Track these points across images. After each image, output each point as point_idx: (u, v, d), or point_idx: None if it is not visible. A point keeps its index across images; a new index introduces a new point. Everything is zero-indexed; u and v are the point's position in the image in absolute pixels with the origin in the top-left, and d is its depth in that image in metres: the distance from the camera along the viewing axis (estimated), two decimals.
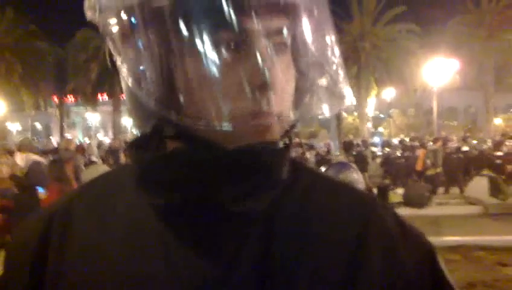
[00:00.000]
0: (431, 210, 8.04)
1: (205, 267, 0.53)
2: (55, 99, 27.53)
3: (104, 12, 0.53)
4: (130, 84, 0.54)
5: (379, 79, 25.09)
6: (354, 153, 11.55)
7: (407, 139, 17.65)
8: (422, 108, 33.65)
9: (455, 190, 10.80)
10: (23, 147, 8.14)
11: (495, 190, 8.56)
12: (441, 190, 10.68)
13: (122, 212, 0.59)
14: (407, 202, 8.16)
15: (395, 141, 19.97)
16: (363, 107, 26.98)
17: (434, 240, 0.59)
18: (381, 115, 36.73)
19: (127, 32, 0.52)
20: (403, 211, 8.03)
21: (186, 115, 0.51)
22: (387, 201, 8.14)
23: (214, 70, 0.49)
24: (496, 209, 7.95)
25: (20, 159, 7.81)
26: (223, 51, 0.49)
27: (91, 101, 24.64)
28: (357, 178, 4.15)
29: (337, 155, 11.24)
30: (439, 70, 19.55)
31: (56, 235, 0.59)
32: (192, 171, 0.53)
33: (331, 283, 0.53)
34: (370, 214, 0.58)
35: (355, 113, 29.92)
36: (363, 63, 24.70)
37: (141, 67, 0.52)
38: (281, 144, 0.55)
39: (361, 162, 13.46)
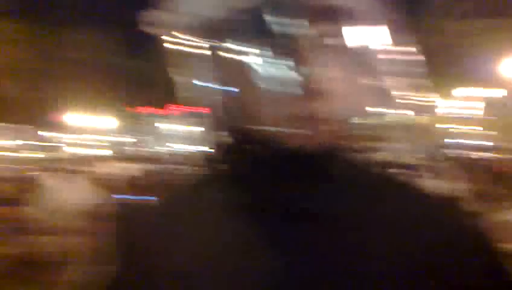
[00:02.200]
0: None
1: (274, 263, 0.55)
2: (146, 110, 29.01)
3: (170, 31, 0.58)
4: (192, 98, 0.59)
5: (457, 78, 23.66)
6: (437, 157, 11.06)
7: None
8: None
9: None
10: (122, 157, 8.66)
11: None
12: None
13: (205, 212, 0.62)
14: None
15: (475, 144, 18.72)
16: (438, 107, 25.57)
17: None
18: (461, 117, 34.37)
19: (189, 50, 0.57)
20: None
21: (248, 120, 0.54)
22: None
23: (265, 79, 0.51)
24: None
25: (116, 168, 8.44)
26: (272, 58, 0.51)
27: (162, 111, 25.81)
28: (430, 184, 3.91)
29: (412, 158, 10.79)
30: None
31: (153, 235, 0.64)
32: (262, 170, 0.56)
33: (398, 282, 0.53)
34: (444, 219, 0.56)
35: (431, 115, 28.33)
36: (439, 61, 23.35)
37: (204, 82, 0.57)
38: (339, 146, 0.56)
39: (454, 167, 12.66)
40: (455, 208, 0.59)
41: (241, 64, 0.53)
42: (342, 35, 0.54)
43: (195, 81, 0.58)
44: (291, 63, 0.51)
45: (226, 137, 0.60)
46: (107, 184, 7.23)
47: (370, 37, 0.55)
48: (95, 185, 7.66)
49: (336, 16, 0.53)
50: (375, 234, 0.55)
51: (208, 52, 0.55)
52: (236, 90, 0.55)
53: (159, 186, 5.33)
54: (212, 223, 0.61)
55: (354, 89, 0.56)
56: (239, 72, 0.54)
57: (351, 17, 0.53)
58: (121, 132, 29.30)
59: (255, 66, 0.52)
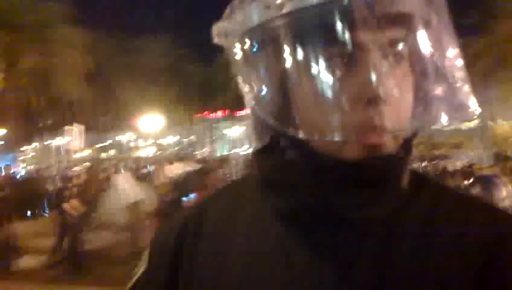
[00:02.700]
0: None
1: (322, 273, 0.53)
2: (205, 114, 30.01)
3: (228, 36, 0.57)
4: (250, 102, 0.56)
5: None
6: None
7: None
8: None
9: None
10: (177, 158, 9.13)
11: None
12: None
13: (246, 217, 0.61)
14: None
15: None
16: None
17: None
18: None
19: (247, 53, 0.55)
20: None
21: (299, 127, 0.51)
22: None
23: (327, 85, 0.49)
24: None
25: (174, 169, 8.79)
26: (335, 66, 0.49)
27: (230, 116, 26.48)
28: (505, 195, 3.66)
29: (484, 168, 10.21)
30: None
31: (190, 237, 0.63)
32: (309, 178, 0.54)
33: None
34: (504, 230, 0.53)
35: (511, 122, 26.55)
36: None
37: (259, 86, 0.54)
38: (398, 155, 0.54)
39: None
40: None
41: (298, 66, 0.51)
42: (407, 44, 0.52)
43: (249, 85, 0.56)
44: (352, 69, 0.50)
45: (269, 141, 0.58)
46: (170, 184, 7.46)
47: (435, 43, 0.52)
48: (161, 185, 7.95)
49: (401, 23, 0.50)
50: (428, 248, 0.53)
51: (264, 56, 0.54)
52: (290, 92, 0.53)
53: (204, 187, 5.42)
54: (247, 228, 0.60)
55: (418, 98, 0.53)
56: (295, 74, 0.52)
57: (417, 24, 0.51)
58: (187, 135, 30.29)
59: (313, 70, 0.50)
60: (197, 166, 8.87)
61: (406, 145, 0.55)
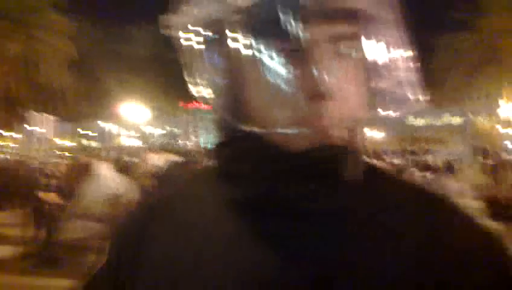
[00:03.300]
0: None
1: (273, 263, 0.54)
2: (191, 105, 29.92)
3: (179, 29, 0.58)
4: (202, 95, 0.58)
5: None
6: (490, 161, 10.50)
7: None
8: None
9: None
10: (162, 149, 9.06)
11: None
12: None
13: (203, 207, 0.63)
14: None
15: None
16: (503, 111, 24.27)
17: None
18: None
19: (197, 47, 0.56)
20: None
21: (253, 121, 0.53)
22: None
23: (276, 79, 0.50)
24: None
25: (158, 159, 8.71)
26: (284, 60, 0.50)
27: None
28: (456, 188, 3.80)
29: (467, 164, 10.40)
30: None
31: (150, 229, 0.64)
32: (261, 169, 0.55)
33: (396, 288, 0.52)
34: (450, 217, 0.56)
35: (493, 118, 27.03)
36: (503, 63, 22.24)
37: (212, 79, 0.56)
38: (348, 147, 0.55)
39: (500, 172, 12.18)
40: (459, 208, 0.58)
41: (249, 61, 0.52)
42: (357, 39, 0.53)
43: (202, 77, 0.58)
44: (301, 63, 0.51)
45: (225, 134, 0.60)
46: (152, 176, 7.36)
47: (383, 39, 0.54)
48: (143, 177, 7.85)
49: (352, 19, 0.52)
50: (376, 238, 0.55)
51: (217, 48, 0.55)
52: (241, 86, 0.55)
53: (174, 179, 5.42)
54: (204, 217, 0.61)
55: (365, 93, 0.55)
56: (246, 68, 0.53)
57: (368, 21, 0.52)
58: (172, 125, 30.15)
59: (263, 64, 0.51)
60: (180, 158, 8.78)
61: (357, 137, 0.57)
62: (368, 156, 0.60)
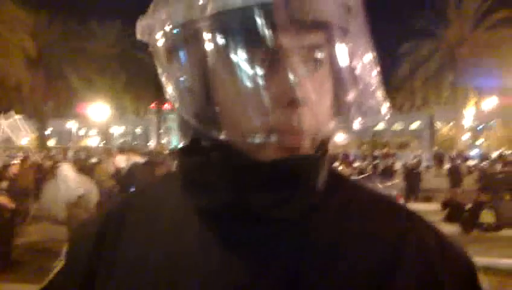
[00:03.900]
0: None
1: (238, 271, 0.54)
2: (154, 106, 29.42)
3: (151, 34, 0.58)
4: (171, 99, 0.57)
5: (478, 88, 23.36)
6: (448, 165, 10.91)
7: (508, 153, 16.25)
8: None
9: None
10: (124, 149, 8.89)
11: None
12: None
13: (168, 214, 0.62)
14: (500, 221, 7.48)
15: (494, 154, 18.46)
16: (460, 117, 25.31)
17: None
18: (481, 126, 34.07)
19: (169, 52, 0.56)
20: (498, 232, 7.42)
21: (221, 128, 0.53)
22: (477, 220, 7.58)
23: (246, 87, 0.50)
24: None
25: (121, 160, 8.55)
26: (255, 68, 0.50)
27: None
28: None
29: (428, 167, 10.75)
30: None
31: (111, 233, 0.63)
32: (227, 177, 0.55)
33: None
34: (408, 229, 0.57)
35: (452, 124, 28.12)
36: (461, 70, 23.21)
37: (181, 84, 0.56)
38: (314, 156, 0.56)
39: (455, 176, 12.69)
40: (416, 216, 0.60)
41: (219, 67, 0.52)
42: (326, 49, 0.54)
43: (171, 81, 0.57)
44: (272, 72, 0.51)
45: (192, 140, 0.60)
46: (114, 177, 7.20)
47: (352, 51, 0.55)
48: (105, 178, 7.68)
49: (321, 29, 0.52)
50: (340, 246, 0.56)
51: (186, 53, 0.55)
52: (211, 93, 0.54)
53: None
54: (169, 225, 0.61)
55: (335, 102, 0.56)
56: (217, 75, 0.53)
57: (337, 31, 0.53)
58: (135, 126, 29.57)
59: (233, 71, 0.51)
60: (143, 159, 8.65)
61: (322, 146, 0.57)
62: (333, 162, 0.59)
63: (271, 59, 0.50)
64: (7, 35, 18.19)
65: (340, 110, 0.56)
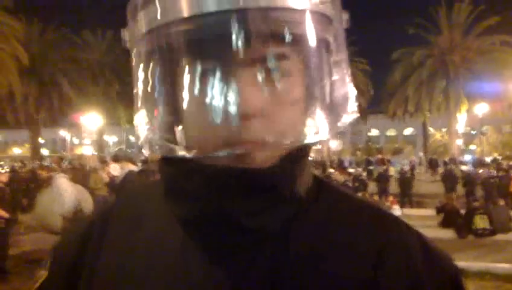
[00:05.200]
0: None
1: (218, 280, 0.54)
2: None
3: (128, 41, 0.59)
4: (139, 111, 0.58)
5: (470, 94, 23.56)
6: (441, 171, 10.96)
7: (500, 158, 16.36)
8: None
9: None
10: (119, 158, 8.85)
11: None
12: None
13: (150, 223, 0.62)
14: (494, 227, 7.51)
15: (488, 159, 18.57)
16: (452, 123, 25.47)
17: None
18: (473, 132, 34.30)
19: (135, 64, 0.57)
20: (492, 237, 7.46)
21: (185, 145, 0.53)
22: (472, 225, 7.61)
23: (204, 102, 0.50)
24: None
25: (115, 169, 8.50)
26: (213, 82, 0.50)
27: None
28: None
29: (422, 172, 10.78)
30: None
31: (93, 241, 0.63)
32: (204, 187, 0.55)
33: None
34: (391, 235, 0.57)
35: (444, 130, 28.27)
36: (452, 76, 23.41)
37: (145, 95, 0.56)
38: (283, 165, 0.55)
39: (449, 181, 12.76)
40: (400, 222, 0.60)
41: (179, 81, 0.52)
42: (287, 61, 0.52)
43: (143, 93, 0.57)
44: (229, 85, 0.50)
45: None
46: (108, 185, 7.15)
47: (314, 63, 0.54)
48: (99, 187, 7.64)
49: (280, 42, 0.50)
50: (322, 254, 0.55)
51: (152, 66, 0.55)
52: (173, 107, 0.54)
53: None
54: (151, 234, 0.61)
55: (297, 114, 0.54)
56: (177, 88, 0.53)
57: (301, 41, 0.52)
58: (129, 134, 29.49)
59: (193, 84, 0.51)
60: (138, 167, 8.62)
61: (300, 153, 0.57)
62: (325, 169, 0.59)
63: (227, 72, 0.50)
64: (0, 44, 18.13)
65: (302, 122, 0.55)
